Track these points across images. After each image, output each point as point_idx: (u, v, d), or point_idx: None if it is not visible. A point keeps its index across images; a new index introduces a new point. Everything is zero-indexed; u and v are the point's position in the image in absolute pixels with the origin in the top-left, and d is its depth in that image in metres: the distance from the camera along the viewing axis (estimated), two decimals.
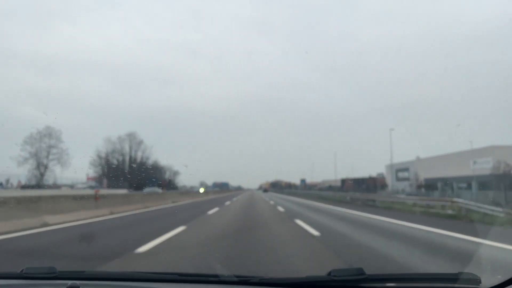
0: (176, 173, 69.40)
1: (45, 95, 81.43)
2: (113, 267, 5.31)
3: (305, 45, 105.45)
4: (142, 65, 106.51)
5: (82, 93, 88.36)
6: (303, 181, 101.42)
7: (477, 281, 1.32)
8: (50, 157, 56.48)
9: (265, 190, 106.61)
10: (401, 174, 67.95)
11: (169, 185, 56.00)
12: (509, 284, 1.20)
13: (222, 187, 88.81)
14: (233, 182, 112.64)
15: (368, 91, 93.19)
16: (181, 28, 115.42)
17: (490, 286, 1.30)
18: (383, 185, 66.36)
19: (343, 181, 74.91)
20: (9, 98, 66.64)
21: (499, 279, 1.28)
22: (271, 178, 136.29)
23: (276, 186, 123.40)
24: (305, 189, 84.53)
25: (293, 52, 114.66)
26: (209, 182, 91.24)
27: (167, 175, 69.09)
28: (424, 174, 56.74)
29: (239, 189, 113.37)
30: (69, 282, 1.61)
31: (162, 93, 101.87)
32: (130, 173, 57.90)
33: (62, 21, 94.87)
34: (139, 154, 68.79)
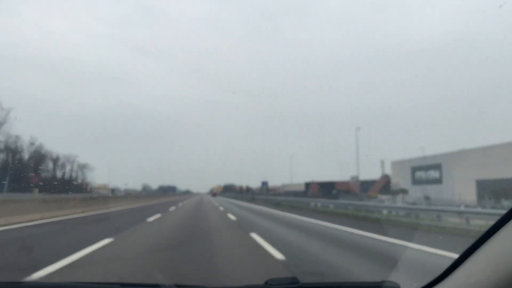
0: (84, 168, 51.65)
1: None
2: None
3: (255, 49, 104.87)
4: (86, 61, 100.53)
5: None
6: (264, 183, 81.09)
7: None
8: None
9: (214, 195, 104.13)
10: (422, 175, 47.53)
11: (61, 185, 41.43)
12: None
13: (165, 192, 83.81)
14: (182, 186, 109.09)
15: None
16: (130, 25, 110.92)
17: None
18: (352, 192, 50.85)
19: (308, 184, 66.66)
20: None
21: (415, 287, 1.38)
22: (225, 181, 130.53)
23: (229, 190, 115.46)
24: (266, 194, 69.57)
25: (244, 53, 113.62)
26: (155, 185, 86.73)
27: (67, 169, 51.20)
28: (471, 174, 38.09)
29: (187, 193, 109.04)
30: None
31: (106, 91, 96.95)
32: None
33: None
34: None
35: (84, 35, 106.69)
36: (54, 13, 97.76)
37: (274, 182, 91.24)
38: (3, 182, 30.58)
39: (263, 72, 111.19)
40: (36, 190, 26.07)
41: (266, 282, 1.61)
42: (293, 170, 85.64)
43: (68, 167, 50.39)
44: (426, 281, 1.33)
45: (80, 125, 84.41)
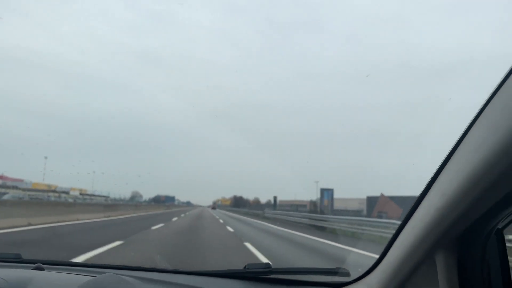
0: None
1: None
2: None
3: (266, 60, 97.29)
4: (93, 66, 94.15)
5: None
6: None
7: (348, 274, 1.84)
8: None
9: (213, 208, 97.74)
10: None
11: None
12: (367, 275, 1.61)
13: (159, 202, 73.43)
14: (183, 197, 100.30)
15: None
16: (140, 33, 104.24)
17: (355, 277, 1.75)
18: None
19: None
20: None
21: (359, 272, 1.71)
22: (230, 194, 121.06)
23: (240, 204, 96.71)
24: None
25: (252, 65, 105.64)
26: (152, 195, 77.05)
27: None
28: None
29: (188, 205, 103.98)
30: (35, 264, 1.71)
31: (111, 97, 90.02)
32: None
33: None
34: None
35: (93, 40, 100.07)
36: (64, 17, 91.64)
37: (282, 197, 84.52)
38: None
39: (270, 86, 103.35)
40: None
41: (245, 267, 1.90)
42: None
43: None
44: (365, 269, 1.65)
45: (81, 129, 76.94)
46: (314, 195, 66.67)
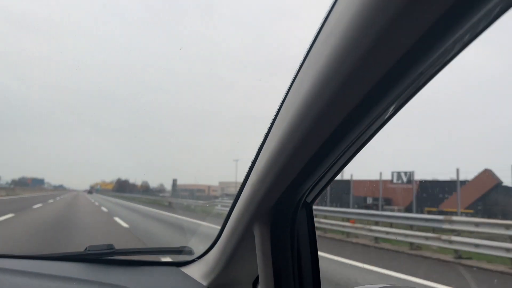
0: None
1: None
2: None
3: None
4: None
5: None
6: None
7: (191, 252, 1.87)
8: None
9: (90, 192, 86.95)
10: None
11: None
12: (209, 251, 1.62)
13: (23, 185, 67.14)
14: (55, 181, 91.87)
15: None
16: None
17: (198, 255, 1.76)
18: None
19: None
20: None
21: (202, 249, 1.72)
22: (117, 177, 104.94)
23: (125, 189, 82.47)
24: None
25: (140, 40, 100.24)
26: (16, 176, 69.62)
27: None
28: None
29: (60, 188, 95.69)
30: None
31: None
32: None
33: None
34: None
35: None
36: None
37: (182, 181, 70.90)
38: None
39: (160, 65, 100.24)
40: None
41: (86, 249, 1.82)
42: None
43: None
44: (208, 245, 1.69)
45: None
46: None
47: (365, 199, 39.11)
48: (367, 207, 37.58)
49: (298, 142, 0.85)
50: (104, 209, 23.23)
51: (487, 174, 34.02)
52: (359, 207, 36.91)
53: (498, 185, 32.30)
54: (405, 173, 44.03)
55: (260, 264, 1.17)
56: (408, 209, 32.56)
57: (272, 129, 0.97)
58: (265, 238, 1.16)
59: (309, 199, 1.16)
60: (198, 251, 1.80)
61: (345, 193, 34.45)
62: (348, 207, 32.73)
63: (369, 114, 0.76)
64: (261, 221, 1.16)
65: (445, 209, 31.47)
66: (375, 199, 37.17)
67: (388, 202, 40.23)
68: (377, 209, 32.44)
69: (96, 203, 30.21)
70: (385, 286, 1.06)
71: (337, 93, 0.70)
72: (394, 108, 0.78)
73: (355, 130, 0.81)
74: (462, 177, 39.12)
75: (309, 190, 1.07)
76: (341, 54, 0.64)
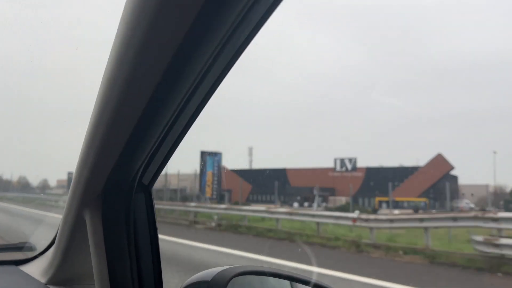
0: None
1: None
2: None
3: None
4: None
5: None
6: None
7: (33, 248, 1.72)
8: None
9: None
10: None
11: None
12: (50, 247, 1.47)
13: None
14: None
15: None
16: None
17: (41, 250, 1.60)
18: None
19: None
20: None
21: (44, 244, 1.57)
22: None
23: None
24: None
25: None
26: None
27: None
28: None
29: None
30: None
31: None
32: None
33: None
34: None
35: None
36: None
37: None
38: None
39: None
40: None
41: None
42: None
43: None
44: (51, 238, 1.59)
45: None
46: None
47: (306, 189, 35.13)
48: (307, 199, 33.54)
49: (113, 112, 0.82)
50: None
51: (439, 159, 31.92)
52: (298, 201, 32.88)
53: (450, 171, 30.10)
54: (350, 159, 40.82)
55: (93, 254, 1.08)
56: (355, 199, 29.57)
57: (95, 104, 0.92)
58: (97, 226, 1.08)
59: (146, 181, 1.08)
60: (41, 246, 1.66)
61: (280, 183, 30.64)
62: (287, 198, 28.95)
63: (176, 86, 0.75)
64: (91, 207, 1.08)
65: (397, 198, 28.76)
66: (323, 189, 33.34)
67: (331, 192, 36.45)
68: (324, 201, 28.68)
69: None
70: (229, 267, 1.06)
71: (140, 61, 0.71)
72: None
73: (168, 103, 0.79)
74: (412, 163, 36.95)
75: (141, 169, 1.01)
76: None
